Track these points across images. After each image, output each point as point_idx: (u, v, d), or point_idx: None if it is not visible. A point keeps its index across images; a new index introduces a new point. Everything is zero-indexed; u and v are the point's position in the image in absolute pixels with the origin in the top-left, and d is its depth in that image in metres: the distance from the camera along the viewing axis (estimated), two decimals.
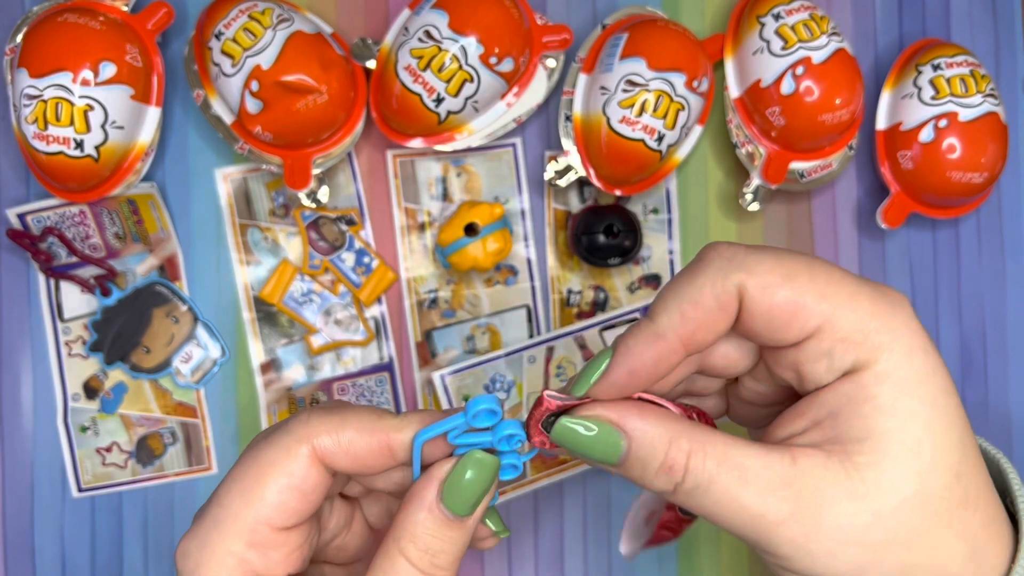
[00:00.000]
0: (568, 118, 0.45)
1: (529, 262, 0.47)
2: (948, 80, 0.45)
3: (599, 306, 0.48)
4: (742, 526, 0.24)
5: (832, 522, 0.23)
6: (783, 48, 0.44)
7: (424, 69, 0.42)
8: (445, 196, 0.47)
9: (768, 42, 0.44)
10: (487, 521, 0.30)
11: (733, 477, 0.24)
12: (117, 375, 0.45)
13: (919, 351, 0.24)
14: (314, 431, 0.27)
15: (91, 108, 0.40)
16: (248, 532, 0.27)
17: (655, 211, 0.48)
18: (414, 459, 0.28)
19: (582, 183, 0.48)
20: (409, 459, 0.28)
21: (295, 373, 0.46)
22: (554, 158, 0.46)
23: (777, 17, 0.44)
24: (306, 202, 0.44)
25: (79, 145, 0.41)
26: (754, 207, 0.46)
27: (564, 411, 0.26)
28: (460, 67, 0.42)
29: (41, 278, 0.45)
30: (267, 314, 0.46)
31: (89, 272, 0.45)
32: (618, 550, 0.47)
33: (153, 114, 0.43)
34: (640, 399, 0.26)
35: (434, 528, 0.27)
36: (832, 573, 0.24)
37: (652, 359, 0.25)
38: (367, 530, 0.33)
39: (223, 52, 0.41)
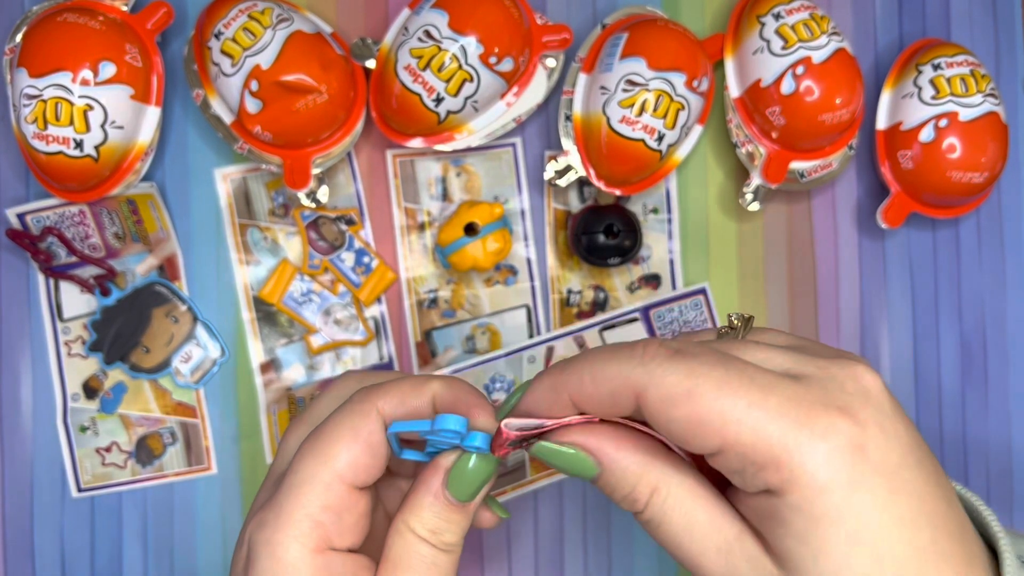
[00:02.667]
0: (568, 118, 0.45)
1: (529, 262, 0.47)
2: (948, 80, 0.45)
3: (599, 306, 0.48)
4: (683, 564, 0.26)
5: None
6: (783, 48, 0.44)
7: (424, 69, 0.42)
8: (445, 196, 0.47)
9: (768, 42, 0.44)
10: (490, 506, 0.33)
11: (682, 526, 0.26)
12: (117, 375, 0.45)
13: (838, 485, 0.23)
14: (372, 396, 0.30)
15: (91, 108, 0.40)
16: (324, 491, 0.28)
17: (655, 211, 0.48)
18: (391, 443, 0.30)
19: (582, 183, 0.48)
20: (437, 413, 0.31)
21: (295, 373, 0.46)
22: (554, 158, 0.46)
23: (777, 17, 0.44)
24: (306, 202, 0.44)
25: (79, 145, 0.41)
26: (754, 207, 0.46)
27: (541, 434, 0.28)
28: (460, 67, 0.42)
29: (40, 278, 0.45)
30: (267, 314, 0.46)
31: (89, 272, 0.45)
32: (618, 549, 0.47)
33: (153, 114, 0.43)
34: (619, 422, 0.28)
35: (438, 510, 0.29)
36: None
37: (546, 409, 0.28)
38: (386, 520, 0.35)
39: (223, 52, 0.41)
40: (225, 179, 0.46)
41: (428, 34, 0.42)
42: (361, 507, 0.30)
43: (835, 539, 0.23)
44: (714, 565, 0.25)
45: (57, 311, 0.45)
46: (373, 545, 0.33)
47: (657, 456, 0.27)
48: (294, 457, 0.30)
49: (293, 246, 0.46)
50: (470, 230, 0.45)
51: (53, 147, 0.41)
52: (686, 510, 0.26)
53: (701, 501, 0.26)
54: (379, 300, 0.47)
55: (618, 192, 0.45)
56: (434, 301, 0.47)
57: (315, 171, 0.44)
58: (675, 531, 0.26)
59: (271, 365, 0.46)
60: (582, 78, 0.45)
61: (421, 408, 0.30)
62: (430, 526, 0.29)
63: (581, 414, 0.28)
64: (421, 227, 0.47)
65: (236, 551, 0.30)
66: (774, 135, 0.45)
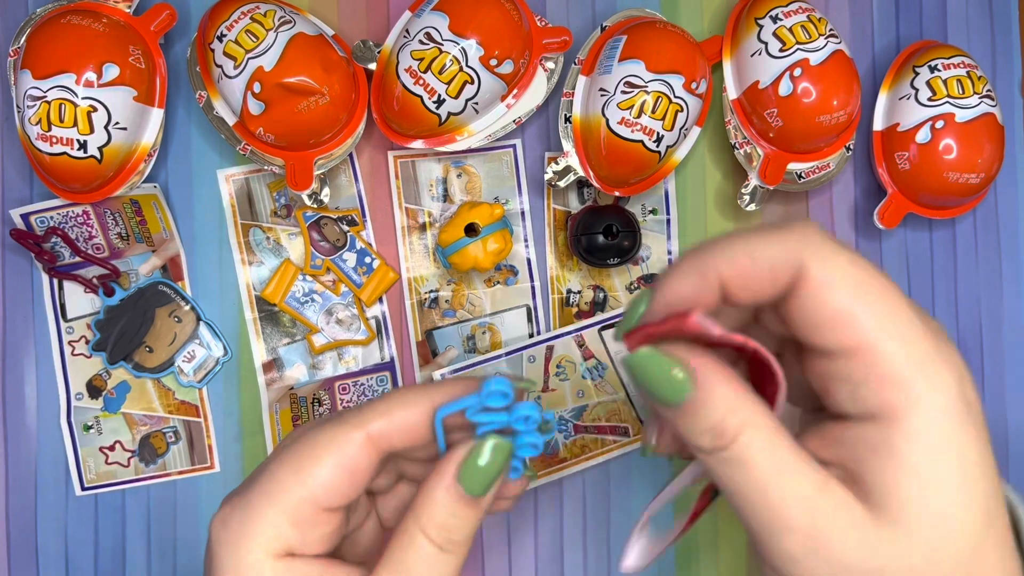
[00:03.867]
0: (567, 119, 0.46)
1: (529, 262, 0.47)
2: (945, 81, 0.45)
3: (598, 306, 0.48)
4: (757, 516, 0.24)
5: (837, 556, 0.23)
6: (781, 50, 0.44)
7: (425, 71, 0.42)
8: (446, 197, 0.47)
9: (766, 44, 0.44)
10: (524, 469, 0.31)
11: (772, 469, 0.24)
12: (120, 374, 0.46)
13: (958, 416, 0.23)
14: (367, 417, 0.29)
15: (94, 109, 0.41)
16: (293, 507, 0.28)
17: (654, 212, 0.48)
18: (437, 433, 0.29)
19: (581, 184, 0.48)
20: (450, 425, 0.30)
21: (297, 372, 0.46)
22: (554, 159, 0.46)
23: (775, 19, 0.44)
24: (308, 203, 0.45)
25: (82, 146, 0.41)
26: (752, 208, 0.46)
27: (647, 340, 0.26)
28: (460, 69, 0.42)
29: (45, 278, 0.45)
30: (269, 314, 0.46)
31: (92, 272, 0.45)
32: (617, 548, 0.47)
33: (156, 115, 0.44)
34: (695, 324, 0.25)
35: (451, 506, 0.28)
36: None
37: (688, 297, 0.25)
38: (379, 529, 0.34)
39: (225, 54, 0.42)
40: (228, 180, 0.46)
41: (429, 36, 0.42)
42: (332, 524, 0.29)
43: (949, 472, 0.23)
44: (796, 515, 0.23)
45: (61, 311, 0.46)
46: (356, 550, 0.33)
47: (749, 393, 0.25)
48: (271, 456, 0.29)
49: (295, 246, 0.47)
50: (471, 231, 0.45)
51: (57, 148, 0.41)
52: (774, 451, 0.24)
53: (787, 446, 0.24)
54: (380, 300, 0.47)
55: (617, 193, 0.45)
56: (435, 301, 0.47)
57: (317, 172, 0.44)
58: (759, 474, 0.24)
59: (273, 364, 0.46)
60: (581, 80, 0.46)
61: (423, 424, 0.29)
62: (439, 521, 0.28)
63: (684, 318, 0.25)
64: (422, 228, 0.47)
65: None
66: (772, 136, 0.45)
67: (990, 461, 0.24)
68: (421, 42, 0.42)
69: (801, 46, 0.44)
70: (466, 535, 0.29)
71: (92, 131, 0.41)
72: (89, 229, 0.45)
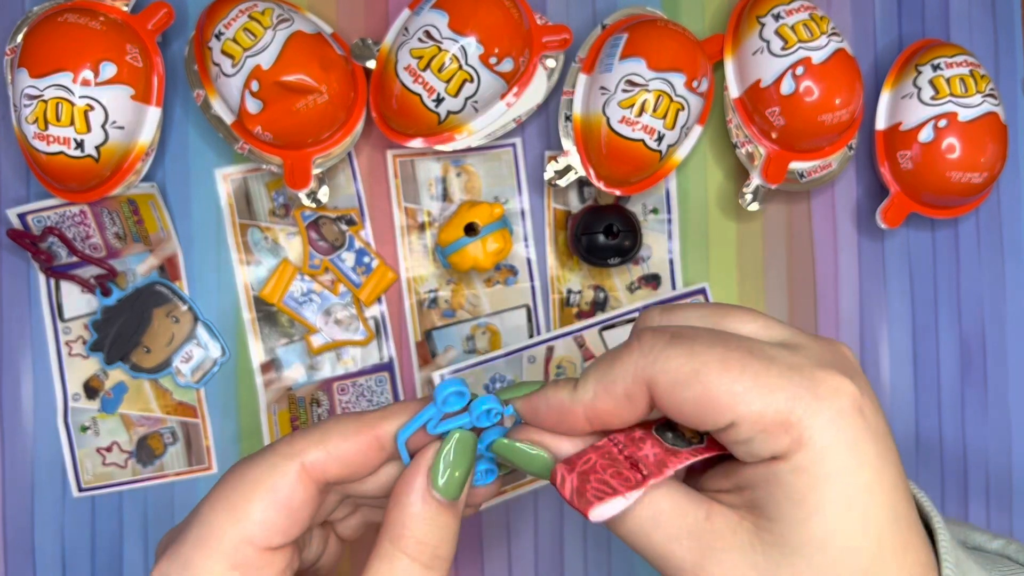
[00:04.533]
0: (568, 118, 0.45)
1: (529, 262, 0.47)
2: (948, 80, 0.45)
3: (599, 306, 0.48)
4: (651, 561, 0.25)
5: None
6: (783, 48, 0.44)
7: (424, 69, 0.42)
8: (445, 196, 0.47)
9: (768, 42, 0.44)
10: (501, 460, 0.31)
11: (648, 516, 0.25)
12: (117, 375, 0.45)
13: (845, 444, 0.23)
14: (299, 447, 0.27)
15: (91, 108, 0.40)
16: (232, 551, 0.26)
17: (655, 211, 0.48)
18: (401, 456, 0.28)
19: (582, 183, 0.48)
20: (397, 451, 0.29)
21: (295, 373, 0.46)
22: (554, 158, 0.46)
23: (777, 17, 0.44)
24: (306, 202, 0.44)
25: (79, 145, 0.41)
26: (754, 207, 0.46)
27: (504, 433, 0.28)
28: (460, 67, 0.42)
29: (41, 278, 0.45)
30: (267, 314, 0.46)
31: (89, 272, 0.45)
32: (618, 549, 0.47)
33: (153, 114, 0.43)
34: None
35: (429, 516, 0.27)
36: None
37: (555, 424, 0.27)
38: (340, 546, 0.33)
39: (223, 52, 0.41)
40: (226, 179, 0.46)
41: (428, 35, 0.42)
42: (280, 563, 0.27)
43: (832, 499, 0.23)
44: (685, 551, 0.24)
45: (58, 311, 0.45)
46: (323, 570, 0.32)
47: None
48: (201, 502, 0.28)
49: (294, 246, 0.46)
50: (470, 230, 0.45)
51: (54, 147, 0.41)
52: (655, 502, 0.25)
53: (667, 489, 0.25)
54: (379, 300, 0.47)
55: (618, 192, 0.45)
56: (434, 301, 0.47)
57: (315, 171, 0.44)
58: (642, 523, 0.25)
59: (271, 365, 0.46)
60: (582, 78, 0.45)
61: (362, 452, 0.28)
62: (419, 537, 0.27)
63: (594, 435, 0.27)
64: (421, 227, 0.47)
65: None
66: (774, 135, 0.45)
67: (890, 474, 0.24)
68: (420, 40, 0.42)
69: (803, 44, 0.43)
70: (449, 548, 0.28)
71: (89, 130, 0.41)
72: (86, 229, 0.45)
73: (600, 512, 0.25)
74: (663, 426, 0.27)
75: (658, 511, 0.25)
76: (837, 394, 0.24)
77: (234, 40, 0.41)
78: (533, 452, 0.27)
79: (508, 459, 0.28)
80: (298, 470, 0.27)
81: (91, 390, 0.45)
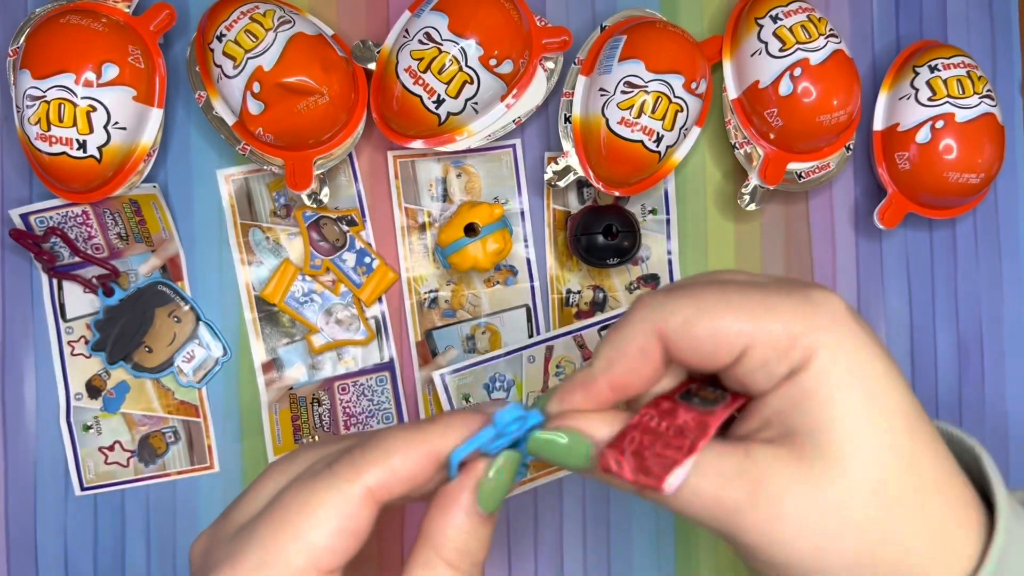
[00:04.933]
0: (567, 119, 0.46)
1: (529, 262, 0.47)
2: (945, 81, 0.45)
3: (598, 306, 0.48)
4: (706, 515, 0.25)
5: (790, 510, 0.24)
6: (781, 50, 0.44)
7: (424, 71, 0.42)
8: (445, 197, 0.47)
9: (766, 44, 0.44)
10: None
11: (693, 473, 0.25)
12: (119, 374, 0.46)
13: (852, 344, 0.25)
14: (362, 468, 0.27)
15: (94, 109, 0.41)
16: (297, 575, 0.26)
17: (654, 212, 0.48)
18: (451, 474, 0.28)
19: (581, 184, 0.48)
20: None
21: (296, 372, 0.46)
22: (553, 159, 0.46)
23: (775, 19, 0.44)
24: (307, 203, 0.45)
25: (82, 146, 0.41)
26: (752, 208, 0.46)
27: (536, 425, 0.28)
28: (460, 69, 0.42)
29: (44, 278, 0.45)
30: (269, 314, 0.46)
31: (92, 272, 0.45)
32: (617, 548, 0.47)
33: (155, 115, 0.44)
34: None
35: (471, 528, 0.27)
36: (796, 560, 0.24)
37: (581, 401, 0.28)
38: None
39: (225, 54, 0.42)
40: (227, 180, 0.46)
41: (428, 36, 0.42)
42: None
43: (859, 394, 0.24)
44: (736, 491, 0.25)
45: (60, 311, 0.45)
46: None
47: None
48: (258, 521, 0.27)
49: (295, 246, 0.47)
50: (470, 231, 0.45)
51: (56, 148, 0.41)
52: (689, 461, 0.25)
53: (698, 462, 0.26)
54: (380, 300, 0.47)
55: (617, 193, 0.45)
56: (434, 301, 0.47)
57: (316, 172, 0.44)
58: (689, 485, 0.25)
59: (273, 364, 0.46)
60: (581, 80, 0.46)
61: (424, 471, 0.27)
62: (460, 547, 0.27)
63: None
64: (422, 228, 0.47)
65: None
66: (772, 136, 0.45)
67: (901, 379, 0.25)
68: (421, 42, 0.42)
69: (801, 46, 0.44)
70: (485, 554, 0.28)
71: (91, 131, 0.41)
72: (88, 229, 0.45)
73: (673, 482, 0.25)
74: (684, 395, 0.28)
75: (701, 464, 0.25)
76: (830, 300, 0.25)
77: (236, 42, 0.41)
78: (570, 441, 0.27)
79: (546, 455, 0.27)
80: (363, 494, 0.26)
81: (93, 389, 0.46)
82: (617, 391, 0.27)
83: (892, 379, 0.25)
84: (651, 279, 0.48)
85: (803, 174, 0.47)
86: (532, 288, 0.48)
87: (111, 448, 0.46)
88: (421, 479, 0.27)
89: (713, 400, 0.27)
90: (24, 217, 0.45)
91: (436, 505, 0.28)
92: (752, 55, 0.45)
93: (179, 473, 0.46)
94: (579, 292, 0.48)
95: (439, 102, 0.43)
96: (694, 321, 0.25)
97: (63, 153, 0.41)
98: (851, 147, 0.47)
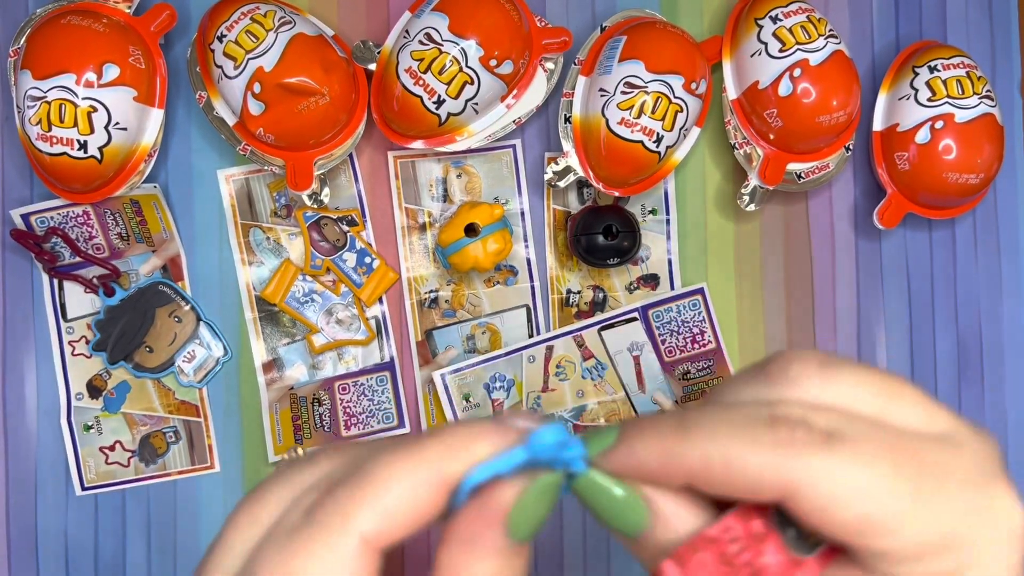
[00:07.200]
0: (567, 120, 0.46)
1: (529, 262, 0.48)
2: (945, 82, 0.45)
3: (598, 306, 0.48)
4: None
5: None
6: (781, 50, 0.44)
7: (425, 71, 0.42)
8: (445, 197, 0.47)
9: (766, 44, 0.44)
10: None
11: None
12: (120, 374, 0.46)
13: (1009, 570, 0.21)
14: (350, 512, 0.21)
15: (94, 110, 0.41)
16: None
17: (653, 212, 0.48)
18: (458, 502, 0.22)
19: (581, 184, 0.48)
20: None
21: (297, 372, 0.46)
22: (553, 159, 0.46)
23: (775, 19, 0.44)
24: (308, 203, 0.45)
25: (83, 146, 0.41)
26: (751, 208, 0.46)
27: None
28: (460, 69, 0.42)
29: (45, 278, 0.45)
30: (269, 314, 0.46)
31: (92, 272, 0.45)
32: (618, 549, 0.47)
33: (156, 116, 0.44)
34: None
35: (504, 563, 0.21)
36: None
37: (653, 472, 0.22)
38: None
39: (225, 54, 0.42)
40: (228, 180, 0.46)
41: (429, 37, 0.42)
42: None
43: None
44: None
45: (61, 311, 0.46)
46: None
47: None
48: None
49: (295, 247, 0.47)
50: (471, 231, 0.45)
51: (57, 148, 0.41)
52: None
53: None
54: (380, 300, 0.47)
55: (617, 193, 0.45)
56: (435, 301, 0.47)
57: (317, 172, 0.44)
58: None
59: (273, 364, 0.46)
60: (581, 80, 0.46)
61: (431, 504, 0.21)
62: None
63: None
64: (422, 228, 0.47)
65: None
66: (771, 137, 0.45)
67: None
68: (421, 43, 0.42)
69: (801, 46, 0.44)
70: None
71: (92, 131, 0.41)
72: (89, 229, 0.45)
73: None
74: (781, 518, 0.22)
75: None
76: (1011, 516, 0.21)
77: (236, 42, 0.41)
78: (626, 498, 0.22)
79: (591, 501, 0.22)
80: (357, 546, 0.21)
81: (94, 389, 0.46)
82: (693, 483, 0.22)
83: None
84: (651, 279, 0.48)
85: (803, 174, 0.47)
86: (532, 288, 0.48)
87: (112, 448, 0.46)
88: (427, 515, 0.21)
89: (810, 543, 0.22)
90: (25, 217, 0.45)
91: (458, 539, 0.21)
92: (752, 55, 0.45)
93: (180, 473, 0.46)
94: (579, 292, 0.48)
95: (439, 102, 0.43)
96: (844, 505, 0.20)
97: (64, 153, 0.41)
98: (850, 147, 0.47)
